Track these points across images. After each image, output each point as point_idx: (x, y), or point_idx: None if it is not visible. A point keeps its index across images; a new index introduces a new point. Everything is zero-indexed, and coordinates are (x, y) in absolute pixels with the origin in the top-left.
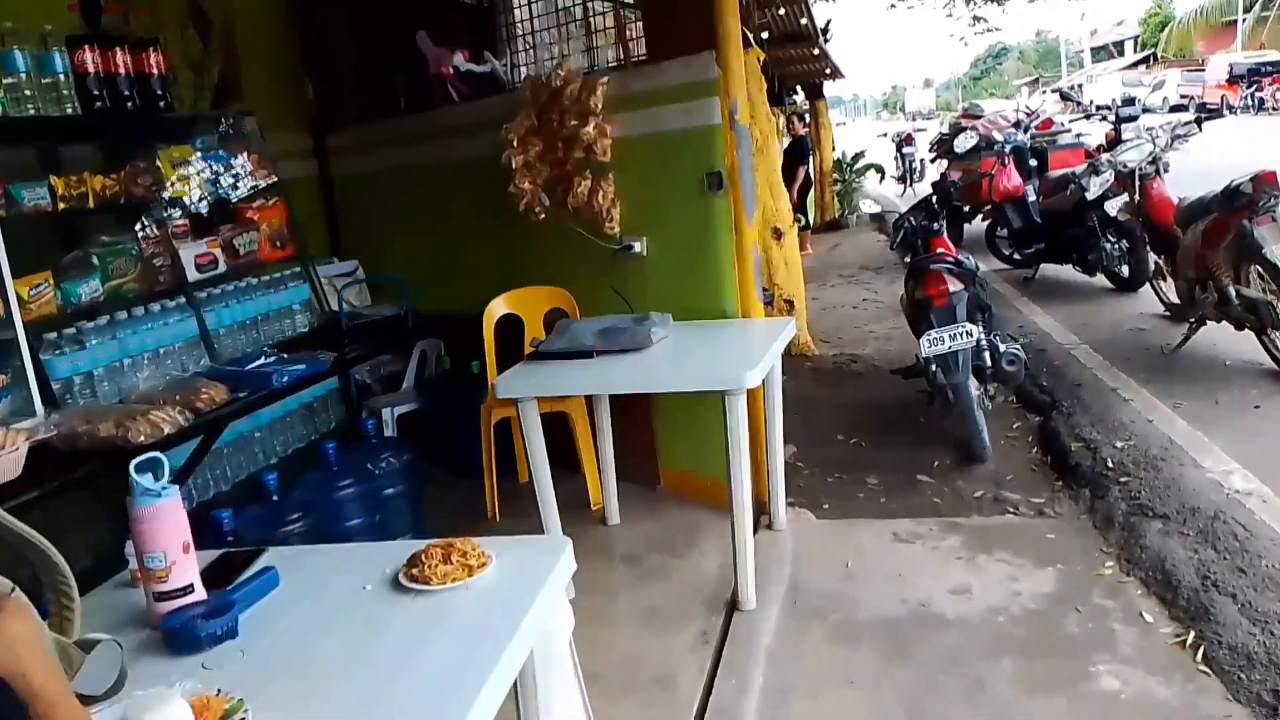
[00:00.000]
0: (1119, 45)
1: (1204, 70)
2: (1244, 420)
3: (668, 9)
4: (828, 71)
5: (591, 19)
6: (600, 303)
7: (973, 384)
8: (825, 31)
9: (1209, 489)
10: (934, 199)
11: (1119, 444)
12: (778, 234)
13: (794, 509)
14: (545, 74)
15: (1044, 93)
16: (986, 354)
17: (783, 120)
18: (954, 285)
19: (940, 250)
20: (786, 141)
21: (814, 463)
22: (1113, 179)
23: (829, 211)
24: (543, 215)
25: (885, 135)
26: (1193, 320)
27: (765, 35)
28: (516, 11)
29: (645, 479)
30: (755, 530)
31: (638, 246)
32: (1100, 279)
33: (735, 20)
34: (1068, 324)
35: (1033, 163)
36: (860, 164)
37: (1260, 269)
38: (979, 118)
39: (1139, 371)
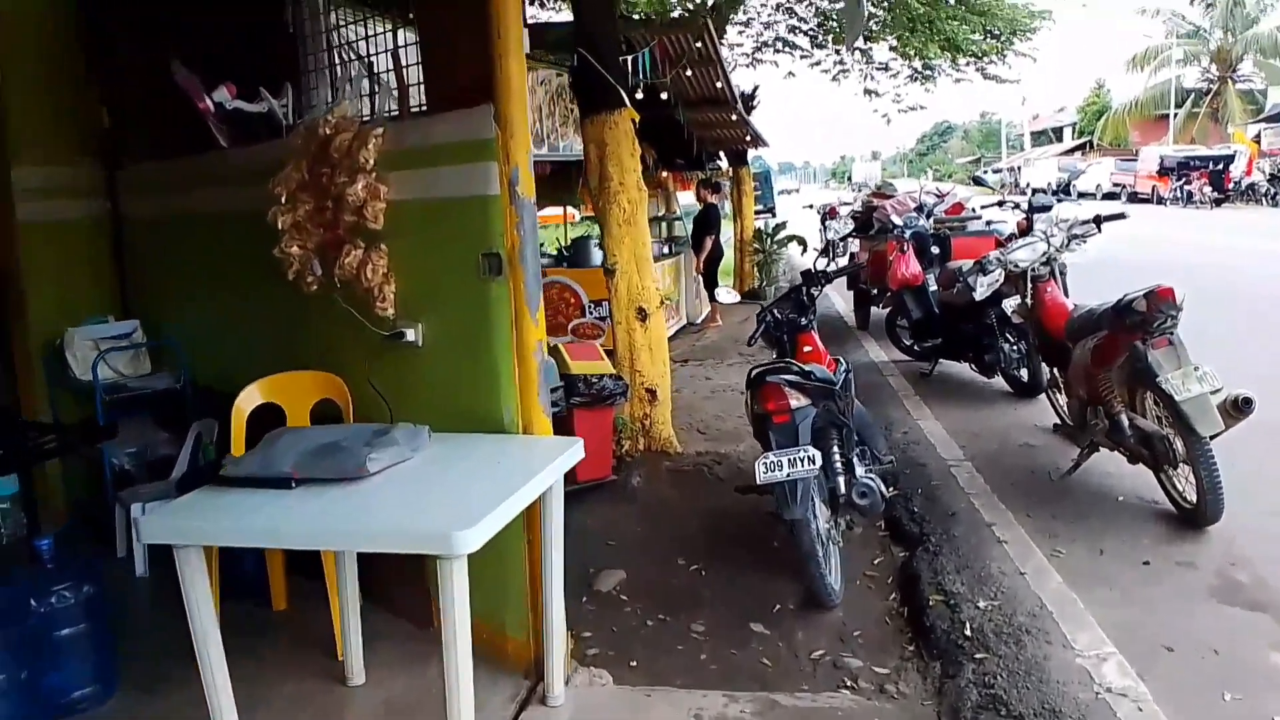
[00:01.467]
0: (1058, 131)
1: (1136, 160)
2: (1128, 579)
3: (444, 45)
4: (748, 139)
5: (372, 57)
6: (369, 399)
7: (821, 514)
8: (751, 98)
9: (1077, 682)
10: (806, 289)
11: (982, 604)
12: (642, 315)
13: (589, 669)
14: (318, 120)
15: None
16: (841, 479)
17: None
18: (796, 400)
19: (807, 348)
20: (697, 210)
21: (641, 595)
22: (1002, 279)
23: (747, 281)
24: (314, 286)
25: (811, 207)
26: (1084, 446)
27: (666, 96)
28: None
29: (417, 617)
30: (525, 705)
31: (411, 334)
32: (1000, 380)
33: (519, 67)
34: (957, 432)
35: (935, 250)
36: (782, 235)
37: (1155, 397)
38: (890, 197)
39: (1021, 501)
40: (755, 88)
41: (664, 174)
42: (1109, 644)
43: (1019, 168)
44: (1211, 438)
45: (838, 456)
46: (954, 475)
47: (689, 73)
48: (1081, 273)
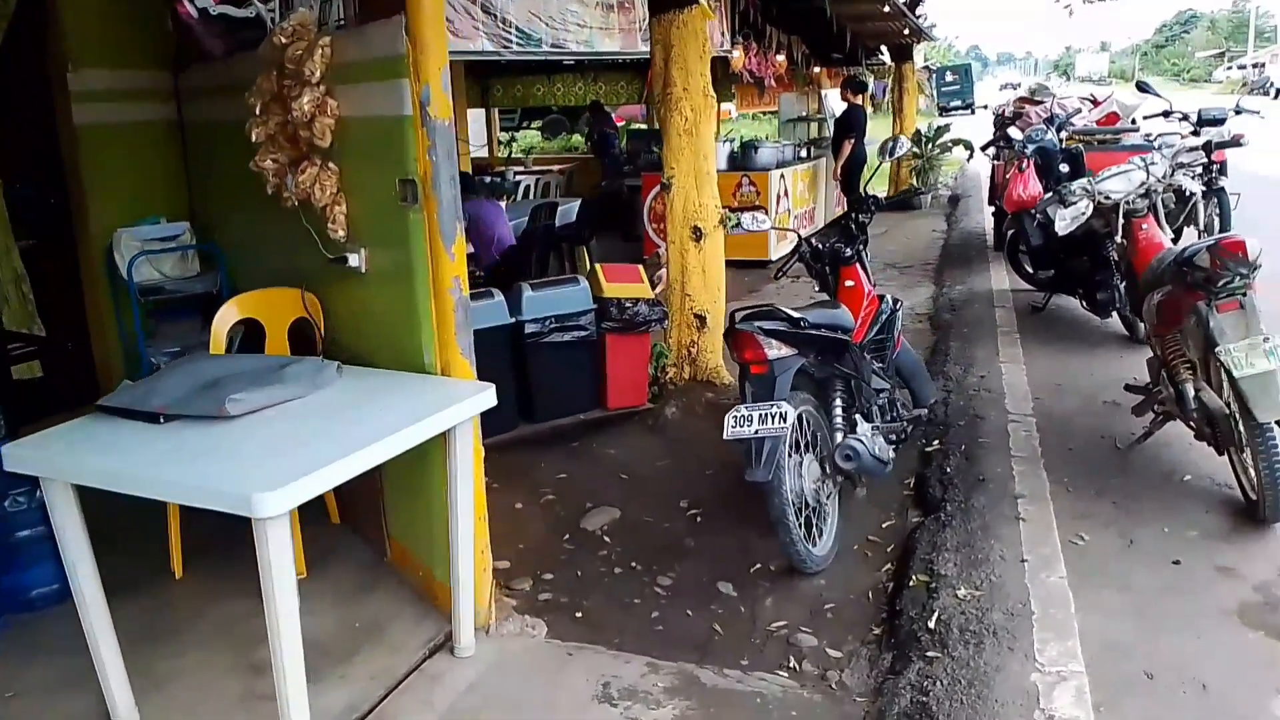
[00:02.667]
0: None
1: None
2: (1147, 581)
3: None
4: (906, 32)
5: None
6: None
7: (810, 474)
8: None
9: (1018, 704)
10: (854, 216)
11: (963, 592)
12: (698, 234)
13: (524, 618)
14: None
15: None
16: (839, 436)
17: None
18: (776, 350)
19: (849, 283)
20: (841, 109)
21: (625, 538)
22: (1088, 211)
23: (902, 185)
24: (289, 203)
25: (985, 108)
26: (1156, 412)
27: None
28: None
29: (375, 544)
30: (435, 653)
31: (354, 259)
32: (1116, 321)
33: None
34: (1040, 381)
35: (1065, 168)
36: (944, 138)
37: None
38: (1041, 103)
39: (1071, 471)
40: None
41: (815, 69)
42: (1078, 662)
43: (1264, 64)
44: (1277, 424)
45: (839, 412)
46: (1009, 433)
47: None
48: None
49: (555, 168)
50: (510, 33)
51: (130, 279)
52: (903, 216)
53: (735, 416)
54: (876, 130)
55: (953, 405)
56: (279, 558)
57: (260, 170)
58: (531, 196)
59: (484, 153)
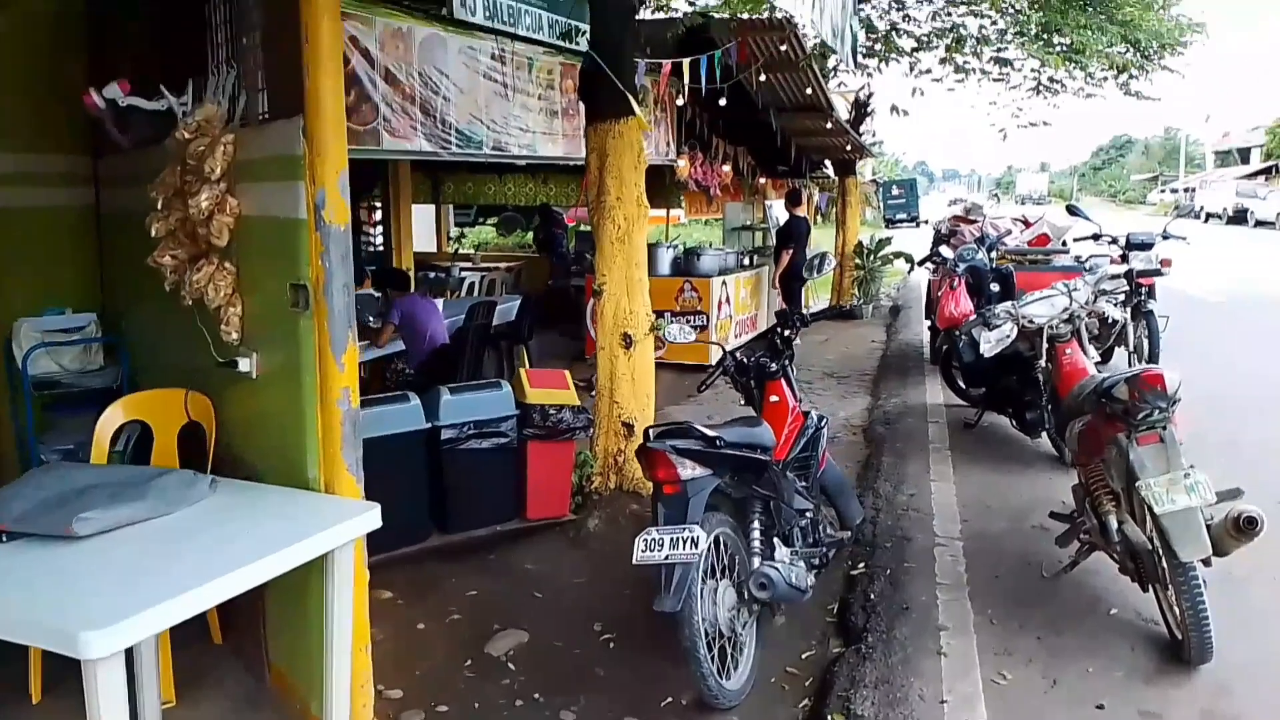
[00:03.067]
0: (1244, 152)
1: None
2: None
3: (274, 46)
4: (849, 148)
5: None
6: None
7: (725, 601)
8: (865, 105)
9: None
10: (779, 331)
11: None
12: (628, 341)
13: None
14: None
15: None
16: (756, 561)
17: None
18: (689, 470)
19: (774, 398)
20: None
21: (531, 665)
22: (1012, 335)
23: (845, 298)
24: (188, 300)
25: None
26: (1081, 540)
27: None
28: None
29: (256, 668)
30: None
31: (244, 364)
32: (1046, 442)
33: (332, 80)
34: (970, 501)
35: (995, 287)
36: (886, 250)
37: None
38: (975, 222)
39: (995, 600)
40: (869, 94)
41: (761, 180)
42: None
43: (1194, 189)
44: (1203, 563)
45: (757, 535)
46: (935, 557)
47: (778, 76)
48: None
49: (503, 265)
50: (450, 134)
51: (24, 371)
52: (844, 325)
53: (646, 540)
54: (823, 240)
55: (881, 525)
56: (109, 703)
57: (159, 266)
58: (476, 293)
59: (433, 247)
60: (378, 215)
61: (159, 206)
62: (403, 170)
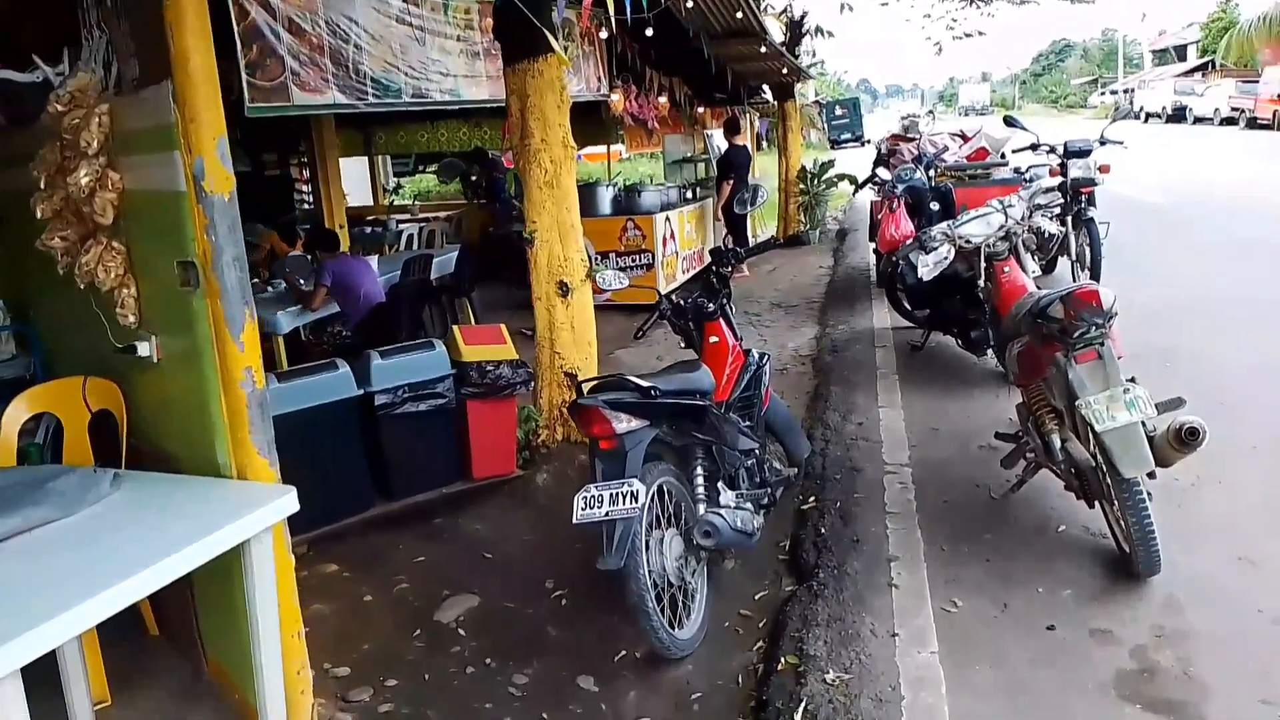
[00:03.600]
0: (1181, 50)
1: (1258, 83)
2: (1019, 652)
3: (138, 3)
4: (785, 71)
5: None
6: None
7: (672, 550)
8: (799, 24)
9: None
10: (715, 270)
11: (830, 676)
12: (564, 289)
13: None
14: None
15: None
16: (700, 508)
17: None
18: (625, 423)
19: (714, 339)
20: (721, 150)
21: (482, 629)
22: (949, 256)
23: (792, 225)
24: (80, 284)
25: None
26: (1027, 459)
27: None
28: None
29: (193, 659)
30: None
31: (144, 348)
32: (994, 360)
33: (199, 39)
34: (917, 426)
35: (935, 206)
36: (829, 173)
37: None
38: (913, 140)
39: (945, 527)
40: (804, 14)
41: (699, 110)
42: None
43: (1133, 90)
44: (1148, 476)
45: (700, 482)
46: (885, 487)
47: (706, 1)
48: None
49: (442, 214)
50: (365, 84)
51: None
52: (792, 253)
53: (584, 498)
54: (766, 166)
55: (830, 457)
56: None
57: (49, 249)
58: (415, 246)
59: (370, 201)
60: (308, 173)
61: (42, 186)
62: (326, 124)
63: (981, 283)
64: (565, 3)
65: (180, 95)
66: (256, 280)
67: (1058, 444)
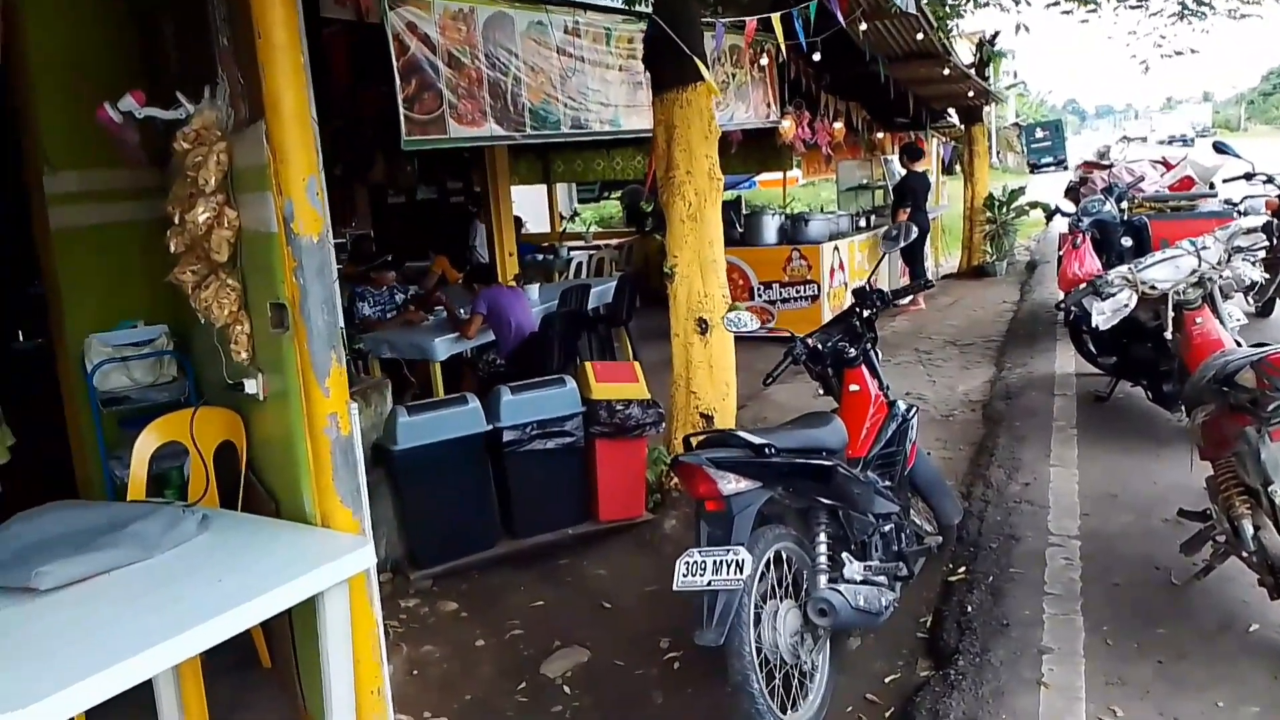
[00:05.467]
0: None
1: None
2: None
3: (243, 43)
4: (971, 94)
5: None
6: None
7: (787, 627)
8: (990, 43)
9: None
10: (858, 311)
11: None
12: (703, 327)
13: None
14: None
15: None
16: (821, 579)
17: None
18: (731, 484)
19: (854, 387)
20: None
21: (587, 688)
22: (1131, 303)
23: (975, 255)
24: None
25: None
26: (1215, 544)
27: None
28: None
29: (292, 698)
30: None
31: (251, 385)
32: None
33: (292, 79)
34: (1092, 490)
35: (1127, 242)
36: (1020, 200)
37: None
38: (1107, 168)
39: (1112, 615)
40: (995, 34)
41: (878, 135)
42: None
43: None
44: None
45: (823, 550)
46: (1046, 560)
47: (884, 23)
48: None
49: (614, 242)
50: (523, 116)
51: (91, 386)
52: (975, 285)
53: (687, 563)
54: (952, 192)
55: (988, 521)
56: None
57: (179, 283)
58: (585, 273)
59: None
60: None
61: (176, 220)
62: (499, 154)
63: (1169, 334)
64: (723, 29)
65: (271, 135)
66: (412, 307)
67: (1249, 531)
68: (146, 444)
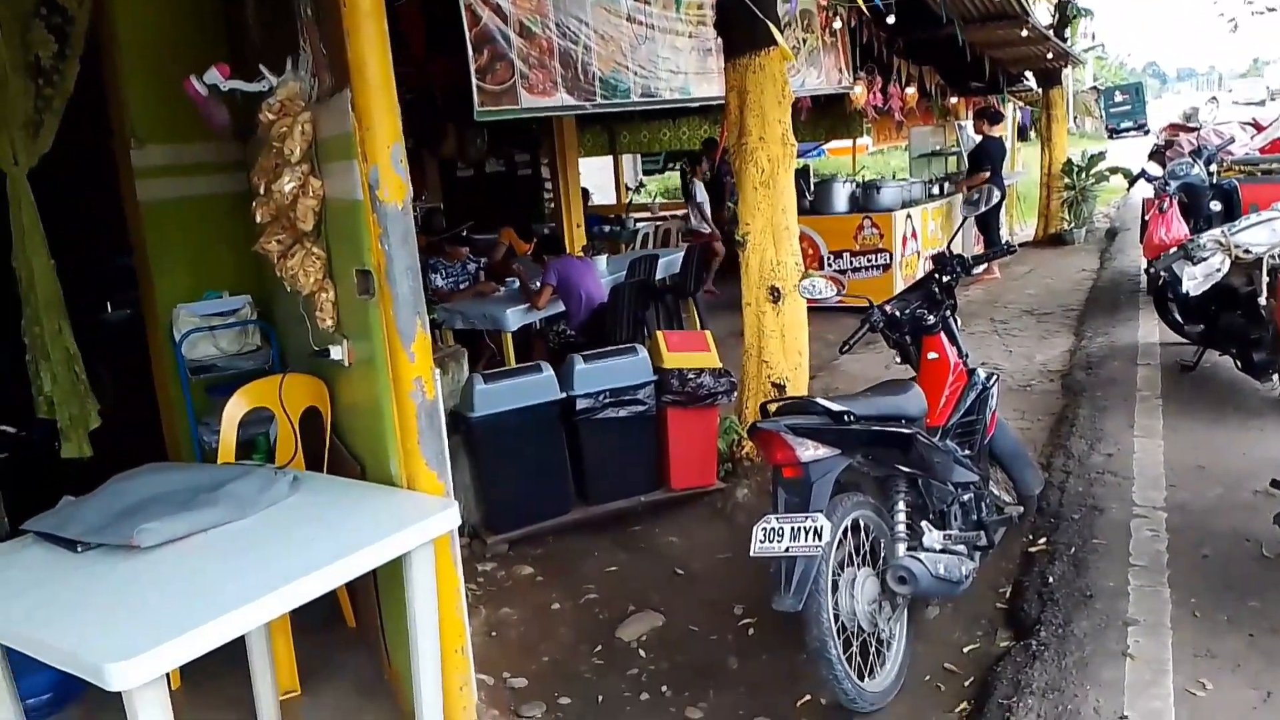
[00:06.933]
0: None
1: None
2: None
3: (325, 9)
4: (1051, 56)
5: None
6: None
7: (864, 594)
8: (1070, 3)
9: None
10: (938, 278)
11: None
12: (775, 295)
13: None
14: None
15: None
16: (900, 548)
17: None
18: (810, 451)
19: (932, 354)
20: (976, 141)
21: (662, 652)
22: (1224, 268)
23: (1053, 223)
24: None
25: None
26: None
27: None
28: None
29: (378, 657)
30: None
31: (336, 352)
32: (1278, 385)
33: (377, 45)
34: (1179, 461)
35: (1216, 206)
36: (1100, 166)
37: None
38: (1194, 130)
39: (1201, 587)
40: None
41: (952, 100)
42: None
43: None
44: None
45: (901, 518)
46: (1131, 532)
47: None
48: None
49: (680, 213)
50: (593, 85)
51: (180, 355)
52: (1052, 253)
53: (764, 529)
54: (1029, 159)
55: (1070, 492)
56: None
57: (265, 252)
58: (651, 244)
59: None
60: None
61: (261, 191)
62: (567, 124)
63: (1264, 299)
64: None
65: (357, 103)
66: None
67: None
68: (236, 408)
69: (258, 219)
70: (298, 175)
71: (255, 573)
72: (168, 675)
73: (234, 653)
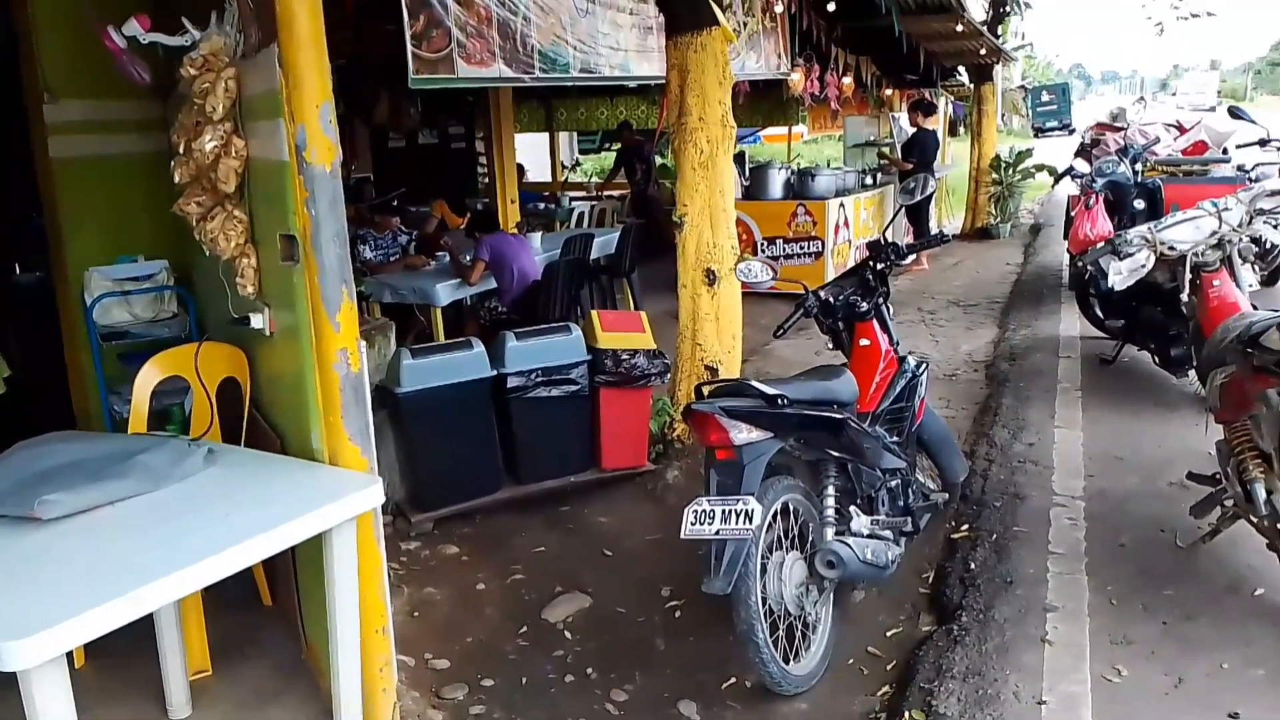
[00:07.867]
0: None
1: None
2: None
3: None
4: (984, 52)
5: None
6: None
7: (792, 577)
8: (1003, 3)
9: None
10: (871, 265)
11: None
12: (711, 278)
13: None
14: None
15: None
16: (827, 532)
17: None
18: (743, 434)
19: (864, 341)
20: (910, 133)
21: (588, 634)
22: (1149, 264)
23: (980, 217)
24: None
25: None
26: (1224, 508)
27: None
28: None
29: (294, 635)
30: None
31: (257, 320)
32: (1195, 381)
33: (310, 3)
34: (1098, 452)
35: (1140, 204)
36: (1026, 163)
37: None
38: (1120, 129)
39: (1118, 574)
40: None
41: (887, 91)
42: None
43: None
44: None
45: (831, 504)
46: (1051, 521)
47: None
48: None
49: (616, 194)
50: (532, 58)
51: (91, 320)
52: (980, 246)
53: (695, 511)
54: (959, 153)
55: (992, 480)
56: (48, 716)
57: (184, 214)
58: (586, 224)
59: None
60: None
61: (181, 150)
62: (503, 98)
63: (1185, 296)
64: None
65: (285, 58)
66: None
67: (1262, 494)
68: (149, 377)
69: (177, 179)
70: (220, 134)
71: (166, 548)
72: (71, 654)
73: (144, 631)
